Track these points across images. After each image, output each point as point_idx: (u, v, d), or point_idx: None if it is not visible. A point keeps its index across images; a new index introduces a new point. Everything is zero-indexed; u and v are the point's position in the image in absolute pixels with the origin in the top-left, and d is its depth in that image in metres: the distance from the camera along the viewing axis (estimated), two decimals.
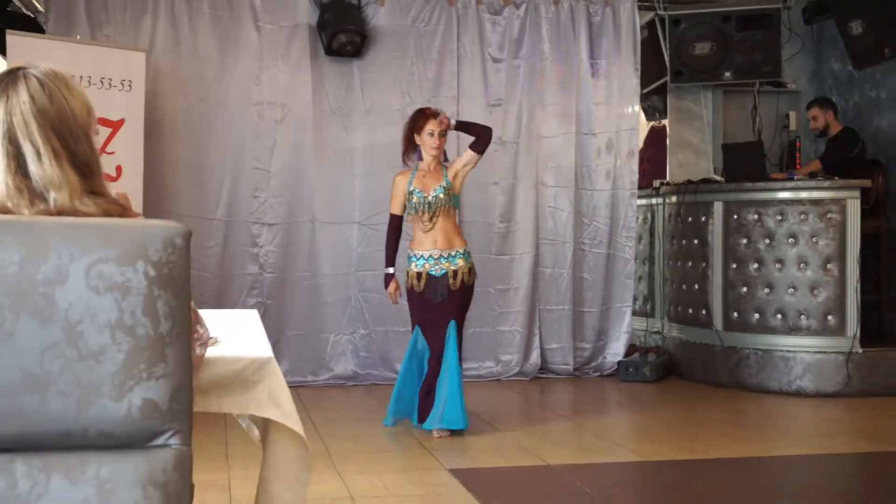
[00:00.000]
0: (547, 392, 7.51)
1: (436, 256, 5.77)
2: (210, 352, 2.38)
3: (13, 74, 2.08)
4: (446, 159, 5.98)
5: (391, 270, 5.98)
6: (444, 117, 5.82)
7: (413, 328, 5.92)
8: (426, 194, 5.76)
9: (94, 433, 1.74)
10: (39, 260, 1.73)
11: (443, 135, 5.80)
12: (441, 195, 5.76)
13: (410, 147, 5.89)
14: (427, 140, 5.78)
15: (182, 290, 1.82)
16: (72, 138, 2.07)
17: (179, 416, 1.80)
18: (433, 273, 5.76)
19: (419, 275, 5.79)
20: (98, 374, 1.75)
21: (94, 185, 2.10)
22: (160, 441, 1.79)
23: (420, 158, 5.89)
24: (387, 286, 6.01)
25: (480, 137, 5.84)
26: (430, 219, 5.77)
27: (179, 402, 1.80)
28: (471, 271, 5.83)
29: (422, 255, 5.80)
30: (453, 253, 5.78)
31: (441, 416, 5.59)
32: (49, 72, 2.10)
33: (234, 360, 2.52)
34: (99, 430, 1.74)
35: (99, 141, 2.20)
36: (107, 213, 2.07)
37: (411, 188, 5.80)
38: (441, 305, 5.74)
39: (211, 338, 2.41)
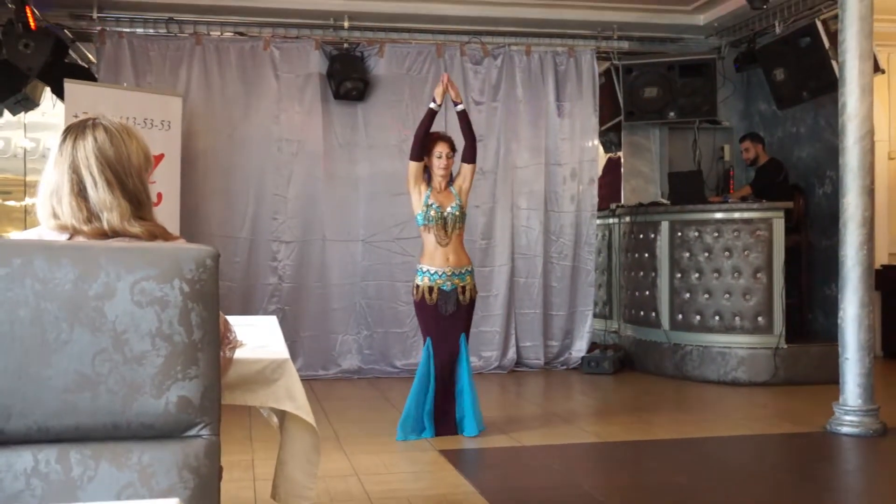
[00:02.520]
0: (521, 383, 7.50)
1: (448, 273, 5.22)
2: (237, 353, 2.37)
3: (86, 122, 2.15)
4: (452, 181, 5.36)
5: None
6: (451, 85, 5.25)
7: (424, 340, 5.30)
8: (443, 210, 5.22)
9: (137, 425, 1.73)
10: (91, 278, 1.72)
11: (450, 156, 5.25)
12: (457, 213, 5.24)
13: (421, 143, 5.25)
14: (436, 162, 5.22)
15: (212, 303, 1.81)
16: (125, 174, 2.11)
17: (210, 410, 1.79)
18: (444, 288, 5.21)
19: (431, 289, 5.22)
20: (140, 375, 1.74)
21: (143, 213, 2.14)
22: (193, 432, 1.78)
23: (430, 179, 5.31)
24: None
25: (468, 145, 5.28)
26: (448, 234, 5.23)
27: (210, 399, 1.79)
28: (475, 287, 5.37)
29: (435, 272, 5.22)
30: (462, 271, 5.27)
31: (476, 423, 5.25)
32: (117, 123, 2.17)
33: (257, 361, 2.52)
34: (141, 423, 1.73)
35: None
36: (151, 234, 2.10)
37: (429, 202, 5.23)
38: (452, 318, 5.22)
39: (238, 342, 2.41)
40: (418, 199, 5.27)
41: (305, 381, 2.69)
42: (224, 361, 2.20)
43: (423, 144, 5.25)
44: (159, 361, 1.74)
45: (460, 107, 5.32)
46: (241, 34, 7.69)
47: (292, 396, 2.56)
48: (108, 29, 7.31)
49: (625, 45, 8.41)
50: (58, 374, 1.69)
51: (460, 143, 5.33)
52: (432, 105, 5.25)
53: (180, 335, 1.76)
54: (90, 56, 7.72)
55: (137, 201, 2.14)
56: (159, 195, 6.54)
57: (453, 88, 5.29)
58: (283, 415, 2.66)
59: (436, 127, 7.27)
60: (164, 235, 2.13)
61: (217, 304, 1.87)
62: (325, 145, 7.67)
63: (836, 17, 5.65)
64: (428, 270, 5.24)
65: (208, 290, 1.81)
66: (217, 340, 1.86)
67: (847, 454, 5.04)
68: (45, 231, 2.09)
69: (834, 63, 6.65)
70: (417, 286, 5.27)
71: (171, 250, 1.80)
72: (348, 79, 7.53)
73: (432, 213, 5.22)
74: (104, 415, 1.72)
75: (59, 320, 1.69)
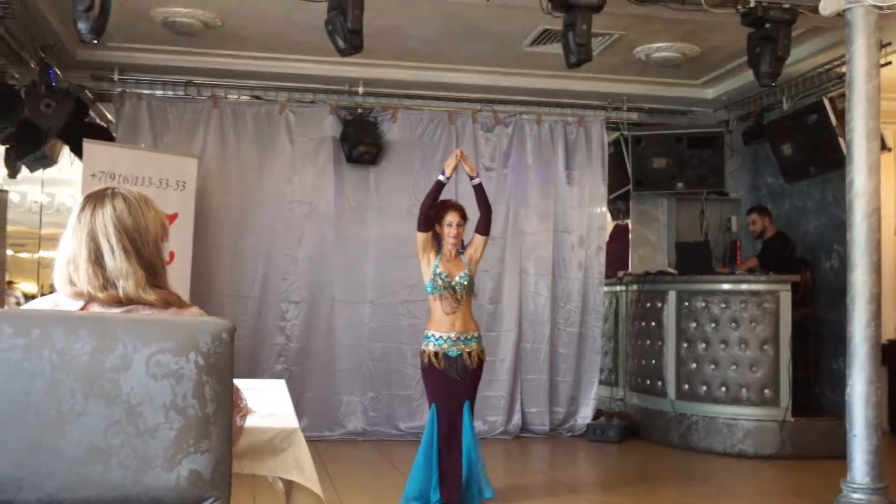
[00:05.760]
0: (527, 450, 7.42)
1: (453, 339, 5.14)
2: (247, 421, 2.36)
3: (105, 191, 2.18)
4: (463, 248, 5.32)
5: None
6: (465, 159, 5.27)
7: (430, 405, 5.20)
8: (451, 279, 5.17)
9: (148, 499, 1.72)
10: (108, 350, 1.73)
11: (461, 225, 5.20)
12: (465, 282, 5.19)
13: (427, 216, 5.24)
14: (447, 230, 5.17)
15: (226, 376, 1.82)
16: (142, 243, 2.14)
17: (220, 484, 1.78)
18: (449, 353, 5.13)
19: (437, 354, 5.13)
20: (153, 448, 1.73)
21: (158, 280, 2.16)
22: None
23: (440, 247, 5.26)
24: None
25: (483, 217, 5.28)
26: (457, 303, 5.16)
27: (220, 473, 1.78)
28: (482, 352, 5.27)
29: (440, 337, 5.15)
30: (468, 336, 5.19)
31: (481, 490, 5.14)
32: (135, 193, 2.21)
33: (266, 430, 2.51)
34: (151, 497, 1.72)
35: None
36: (165, 302, 2.11)
37: (437, 270, 5.18)
38: (458, 384, 5.13)
39: (249, 409, 2.40)
40: (427, 267, 5.23)
41: (310, 441, 2.67)
42: (235, 429, 2.19)
43: (430, 215, 5.23)
44: (172, 434, 1.74)
45: (476, 181, 5.30)
46: (257, 98, 7.79)
47: (300, 466, 2.53)
48: (127, 91, 7.42)
49: (634, 116, 8.50)
50: (70, 446, 1.69)
51: (472, 211, 5.34)
52: (441, 177, 5.22)
53: (194, 408, 1.77)
54: (109, 116, 7.83)
55: (153, 269, 2.16)
56: (171, 254, 6.57)
57: (467, 163, 5.31)
58: (289, 482, 2.64)
59: (447, 194, 7.25)
60: (178, 303, 2.15)
61: (231, 378, 1.88)
62: (336, 207, 7.72)
63: (843, 95, 5.71)
64: (433, 335, 5.18)
65: (223, 363, 1.82)
66: (230, 414, 1.86)
67: None
68: (60, 298, 2.11)
69: (841, 140, 6.71)
70: (424, 351, 5.21)
71: (188, 323, 1.81)
72: (361, 143, 7.61)
73: (440, 281, 5.16)
74: (114, 488, 1.71)
75: (74, 392, 1.70)
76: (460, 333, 5.18)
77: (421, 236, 5.23)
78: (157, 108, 7.46)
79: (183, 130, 7.50)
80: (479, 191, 5.29)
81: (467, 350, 5.18)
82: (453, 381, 5.13)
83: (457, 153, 5.32)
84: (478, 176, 5.33)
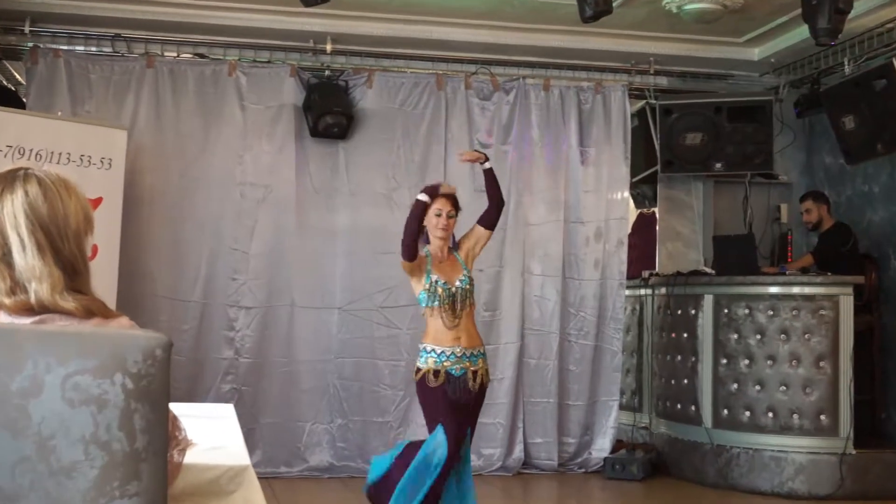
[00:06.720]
0: (530, 489, 7.43)
1: (458, 355, 5.10)
2: (185, 457, 2.35)
3: (16, 172, 2.17)
4: (454, 243, 5.34)
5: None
6: (469, 155, 5.47)
7: (431, 429, 5.09)
8: (451, 285, 5.15)
9: None
10: (14, 370, 1.72)
11: (451, 216, 5.17)
12: (466, 286, 5.19)
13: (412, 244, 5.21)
14: (433, 221, 5.13)
15: (161, 403, 1.81)
16: (59, 237, 2.13)
17: None
18: (452, 372, 5.08)
19: (437, 372, 5.08)
20: (69, 491, 1.72)
21: (79, 283, 2.15)
22: None
23: (427, 242, 5.24)
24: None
25: (493, 208, 5.32)
26: (457, 314, 5.15)
27: None
28: (487, 372, 5.26)
29: (442, 352, 5.10)
30: (474, 352, 5.17)
31: None
32: (52, 174, 2.18)
33: (211, 468, 2.51)
34: None
35: None
36: (87, 310, 2.10)
37: (434, 277, 5.15)
38: (462, 407, 5.12)
39: (189, 441, 2.39)
40: (419, 279, 5.19)
41: (264, 479, 2.68)
42: (172, 467, 2.18)
43: (417, 241, 5.14)
44: (93, 474, 1.73)
45: (487, 165, 5.34)
46: (201, 56, 7.76)
47: None
48: (41, 46, 7.38)
49: (663, 81, 8.51)
50: None
51: (468, 204, 5.36)
52: (421, 196, 5.14)
53: (120, 442, 1.75)
54: (18, 76, 7.79)
55: (73, 270, 2.15)
56: (95, 248, 6.47)
57: (471, 157, 5.42)
58: None
59: (436, 173, 7.14)
60: (103, 312, 2.13)
61: (167, 404, 1.87)
62: (297, 191, 7.70)
63: None
64: (433, 351, 5.13)
65: (157, 386, 1.81)
66: (165, 448, 1.85)
67: None
68: None
69: None
70: (419, 369, 5.17)
71: (114, 338, 1.80)
72: (329, 112, 7.60)
73: (440, 291, 5.13)
74: None
75: None
76: (466, 349, 5.15)
77: (407, 265, 5.19)
78: (77, 67, 7.41)
79: (109, 95, 7.46)
80: (490, 176, 5.32)
81: (473, 368, 5.15)
82: (457, 402, 5.11)
83: (461, 156, 5.50)
84: (488, 160, 5.38)
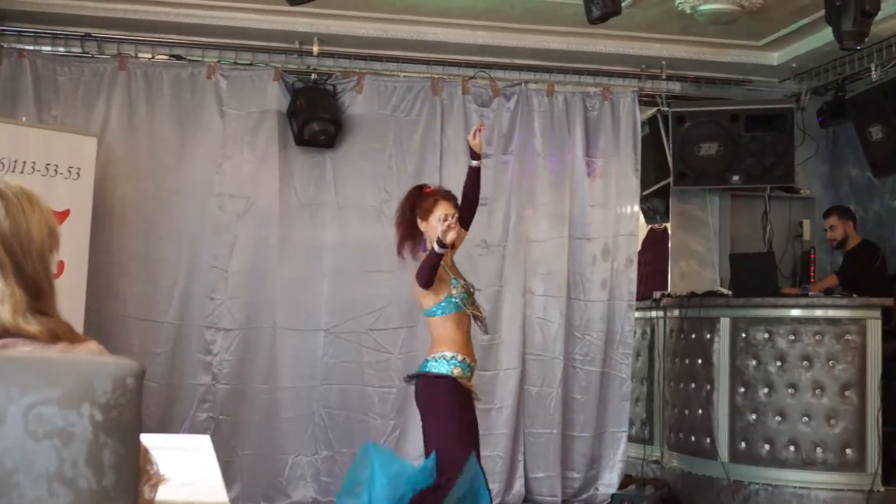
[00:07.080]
0: None
1: (473, 368, 5.23)
2: (157, 493, 2.34)
3: None
4: (426, 249, 5.27)
5: None
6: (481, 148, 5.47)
7: (460, 446, 5.03)
8: (469, 285, 5.30)
9: None
10: None
11: (456, 217, 5.12)
12: (472, 290, 5.35)
13: (410, 235, 5.35)
14: (440, 227, 4.98)
15: (132, 436, 1.80)
16: (22, 254, 2.11)
17: None
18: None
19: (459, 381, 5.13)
20: None
21: (43, 305, 2.14)
22: None
23: (425, 250, 5.23)
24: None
25: (469, 204, 5.43)
26: (476, 316, 5.27)
27: None
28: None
29: (464, 360, 5.16)
30: (475, 367, 5.30)
31: None
32: (14, 186, 2.16)
33: None
34: None
35: None
36: (52, 334, 2.08)
37: (460, 281, 5.26)
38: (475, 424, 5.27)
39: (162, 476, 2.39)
40: (438, 294, 5.18)
41: None
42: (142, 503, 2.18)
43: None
44: None
45: (476, 163, 5.44)
46: (177, 58, 7.78)
47: None
48: (5, 45, 7.39)
49: (676, 86, 8.54)
50: None
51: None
52: (437, 248, 5.01)
53: (87, 479, 1.74)
54: None
55: (36, 289, 2.14)
56: (61, 265, 6.52)
57: (480, 141, 5.46)
58: None
59: (430, 176, 7.14)
60: (70, 337, 2.12)
61: (138, 436, 1.86)
62: (281, 204, 7.71)
63: None
64: (455, 357, 5.14)
65: (127, 418, 1.80)
66: (135, 485, 1.84)
67: None
68: None
69: None
70: (441, 374, 5.12)
71: (81, 365, 1.79)
72: (315, 119, 7.61)
73: (465, 293, 5.21)
74: None
75: None
76: (471, 363, 5.25)
77: (424, 291, 5.22)
78: (43, 68, 7.42)
79: (78, 99, 7.47)
80: (476, 174, 5.44)
81: (472, 385, 5.26)
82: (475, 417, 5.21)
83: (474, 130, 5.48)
84: (481, 160, 5.48)
